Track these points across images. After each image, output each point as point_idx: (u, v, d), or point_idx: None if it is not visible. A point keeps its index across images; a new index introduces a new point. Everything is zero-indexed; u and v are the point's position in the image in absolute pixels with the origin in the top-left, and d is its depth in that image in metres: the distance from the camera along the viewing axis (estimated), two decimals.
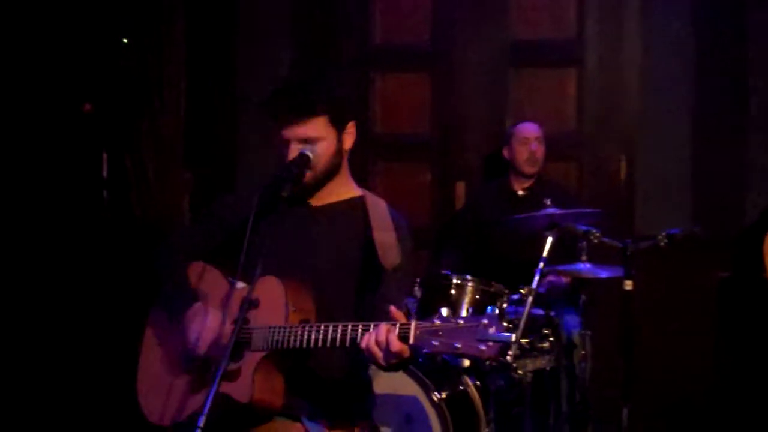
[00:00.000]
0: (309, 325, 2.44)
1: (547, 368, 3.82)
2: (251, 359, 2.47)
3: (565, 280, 4.16)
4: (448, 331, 2.11)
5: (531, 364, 3.75)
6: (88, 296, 4.69)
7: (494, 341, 2.07)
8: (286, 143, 2.61)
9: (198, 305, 2.59)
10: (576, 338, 3.95)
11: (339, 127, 2.64)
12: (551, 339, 3.87)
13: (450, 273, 3.85)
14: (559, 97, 4.91)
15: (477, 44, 4.99)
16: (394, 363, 2.33)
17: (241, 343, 2.48)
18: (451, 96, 5.06)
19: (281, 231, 2.62)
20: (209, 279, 2.67)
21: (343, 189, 2.73)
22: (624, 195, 4.75)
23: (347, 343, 2.37)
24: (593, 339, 4.15)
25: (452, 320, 2.13)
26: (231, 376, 2.46)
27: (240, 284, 2.58)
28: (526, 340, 3.75)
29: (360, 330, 2.36)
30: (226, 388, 2.45)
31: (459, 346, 2.08)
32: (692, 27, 4.60)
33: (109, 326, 4.56)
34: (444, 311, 2.20)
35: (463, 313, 3.75)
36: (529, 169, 4.51)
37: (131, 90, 4.80)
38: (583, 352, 3.93)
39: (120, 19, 4.83)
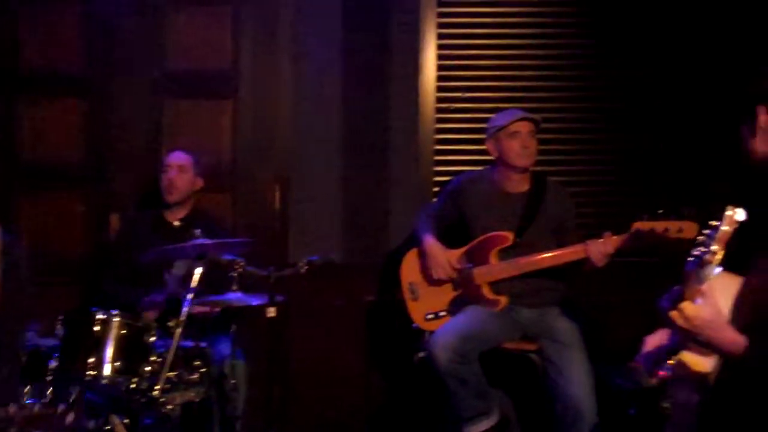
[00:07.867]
0: None
1: (197, 400, 3.79)
2: None
3: (216, 309, 4.15)
4: (27, 419, 1.93)
5: (180, 398, 3.69)
6: None
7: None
8: None
9: None
10: (227, 368, 3.95)
11: None
12: (202, 370, 3.84)
13: (96, 309, 3.72)
14: (215, 128, 4.92)
15: (132, 73, 4.90)
16: None
17: None
18: (105, 125, 4.92)
19: None
20: None
21: None
22: (278, 224, 4.85)
23: None
24: (248, 367, 4.19)
25: (29, 406, 1.96)
26: None
27: None
28: (174, 374, 3.70)
29: None
30: None
31: None
32: (340, 59, 4.79)
33: None
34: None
35: (109, 351, 3.65)
36: (166, 197, 4.47)
37: None
38: (233, 381, 3.93)
39: None
